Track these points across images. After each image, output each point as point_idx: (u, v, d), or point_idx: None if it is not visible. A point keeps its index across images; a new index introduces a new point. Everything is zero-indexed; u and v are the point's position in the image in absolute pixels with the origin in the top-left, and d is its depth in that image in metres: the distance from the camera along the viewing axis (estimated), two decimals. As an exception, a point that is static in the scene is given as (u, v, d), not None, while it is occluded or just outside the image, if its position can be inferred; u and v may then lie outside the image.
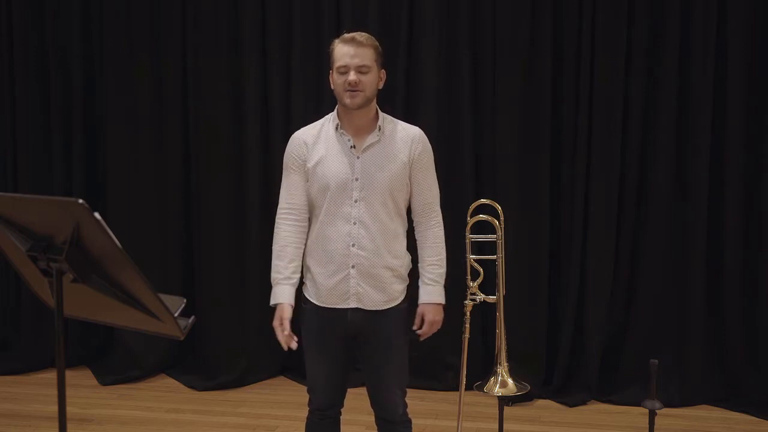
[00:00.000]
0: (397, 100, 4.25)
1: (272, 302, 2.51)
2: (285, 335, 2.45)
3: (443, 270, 2.58)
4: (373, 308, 2.47)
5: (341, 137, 2.48)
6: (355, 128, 2.47)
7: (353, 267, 2.44)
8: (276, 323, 2.47)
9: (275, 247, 2.55)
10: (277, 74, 4.44)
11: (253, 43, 4.44)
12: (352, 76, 2.37)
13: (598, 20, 4.09)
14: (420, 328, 2.57)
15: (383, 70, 2.49)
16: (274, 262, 2.54)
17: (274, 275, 2.53)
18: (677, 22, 4.03)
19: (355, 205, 2.44)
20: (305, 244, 2.55)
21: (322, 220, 2.47)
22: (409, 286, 2.59)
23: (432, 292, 2.55)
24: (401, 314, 2.54)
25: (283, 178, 2.57)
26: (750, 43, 4.01)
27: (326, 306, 2.49)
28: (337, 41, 2.45)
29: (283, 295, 2.49)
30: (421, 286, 2.57)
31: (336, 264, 2.46)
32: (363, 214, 2.44)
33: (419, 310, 2.56)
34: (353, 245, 2.44)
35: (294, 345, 2.46)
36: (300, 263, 2.55)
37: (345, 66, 2.38)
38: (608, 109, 4.11)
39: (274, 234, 2.56)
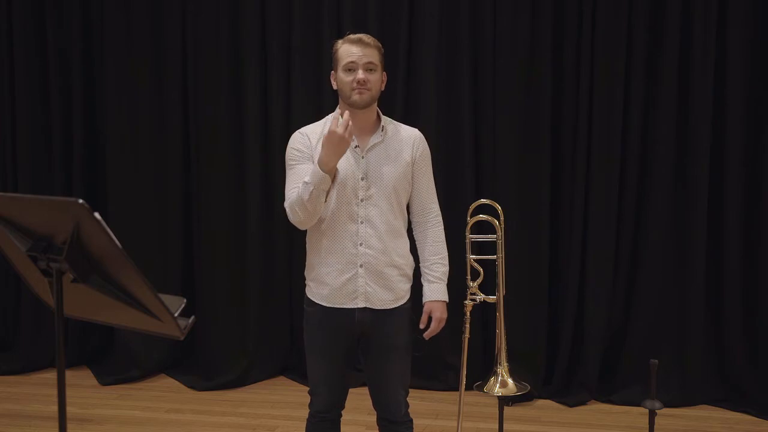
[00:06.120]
0: (397, 101, 4.25)
1: (319, 169, 2.28)
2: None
3: (446, 268, 2.59)
4: (382, 307, 2.47)
5: None
6: (359, 128, 2.47)
7: (361, 266, 2.44)
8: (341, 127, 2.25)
9: (289, 201, 2.40)
10: (277, 74, 4.44)
11: (253, 43, 4.44)
12: (360, 74, 2.38)
13: (598, 20, 4.09)
14: (426, 326, 2.55)
15: (384, 73, 2.51)
16: (296, 194, 2.36)
17: (302, 186, 2.32)
18: (677, 22, 4.03)
19: (361, 204, 2.44)
20: (308, 244, 2.54)
21: (328, 220, 2.45)
22: (411, 286, 2.59)
23: (438, 290, 2.55)
24: (406, 314, 2.54)
25: (287, 173, 2.47)
26: (750, 42, 4.01)
27: (334, 306, 2.47)
28: (342, 41, 2.46)
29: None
30: (426, 284, 2.57)
31: (344, 263, 2.45)
32: (370, 212, 2.44)
33: (426, 307, 2.55)
34: (361, 244, 2.44)
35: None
36: None
37: (353, 63, 2.39)
38: (608, 109, 4.11)
39: (287, 206, 2.41)
